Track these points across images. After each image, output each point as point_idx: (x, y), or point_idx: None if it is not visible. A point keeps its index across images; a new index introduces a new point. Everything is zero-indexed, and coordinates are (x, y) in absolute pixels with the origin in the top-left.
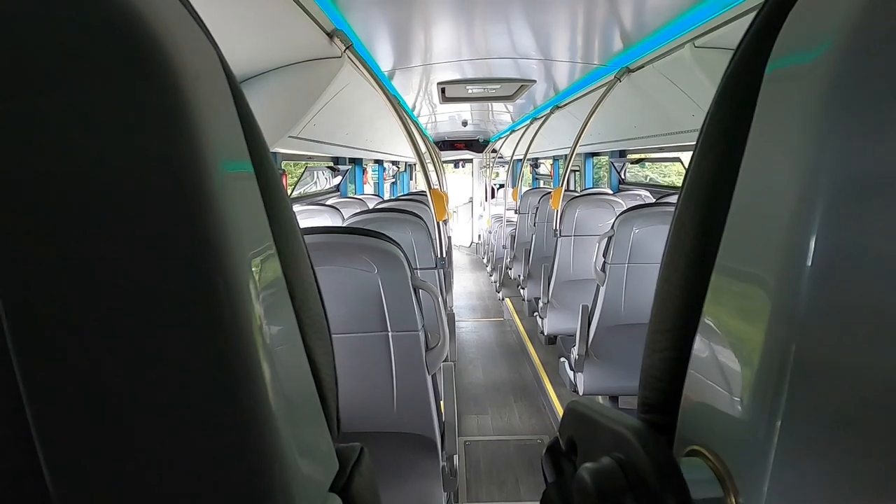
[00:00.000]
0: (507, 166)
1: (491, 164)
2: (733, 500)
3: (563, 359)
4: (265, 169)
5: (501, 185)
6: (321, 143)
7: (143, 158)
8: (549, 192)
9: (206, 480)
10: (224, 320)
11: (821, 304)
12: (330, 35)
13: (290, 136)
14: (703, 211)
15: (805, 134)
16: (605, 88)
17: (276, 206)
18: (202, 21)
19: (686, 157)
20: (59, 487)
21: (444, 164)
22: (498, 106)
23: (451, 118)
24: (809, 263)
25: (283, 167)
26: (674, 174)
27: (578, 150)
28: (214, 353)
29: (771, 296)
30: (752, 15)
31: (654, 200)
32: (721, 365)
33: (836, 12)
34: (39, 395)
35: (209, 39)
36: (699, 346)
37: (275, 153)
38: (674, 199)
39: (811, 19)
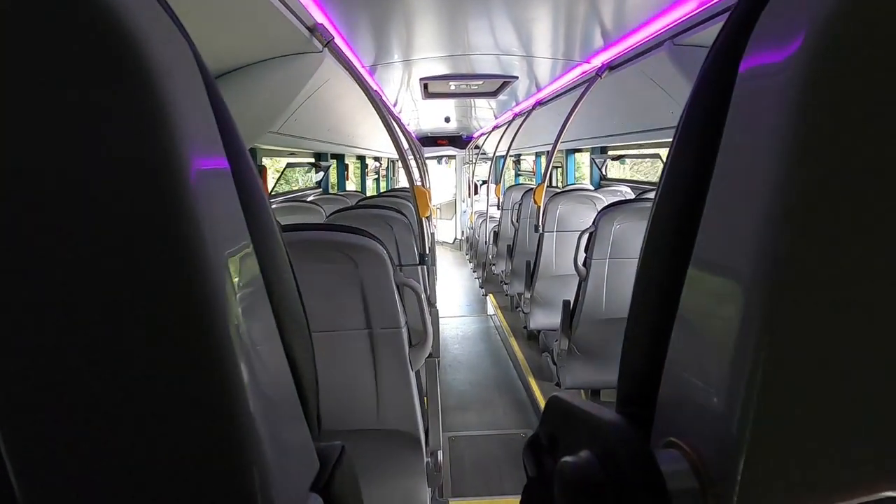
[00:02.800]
0: (489, 163)
1: (474, 161)
2: (708, 491)
3: (545, 353)
4: (242, 166)
5: (485, 182)
6: (302, 138)
7: (113, 156)
8: (532, 189)
9: (184, 482)
10: (200, 320)
11: (793, 299)
12: (310, 30)
13: (270, 132)
14: (680, 206)
15: (777, 131)
16: (586, 85)
17: (253, 203)
18: (175, 15)
19: (665, 153)
20: (28, 494)
21: (427, 161)
22: (480, 102)
23: (433, 114)
24: (782, 258)
25: (262, 163)
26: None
27: (560, 146)
28: (191, 354)
29: (745, 290)
30: (728, 14)
31: (634, 196)
32: (697, 358)
33: (807, 11)
34: (7, 396)
35: (182, 34)
36: (676, 339)
37: (254, 149)
38: (653, 194)
39: (783, 18)
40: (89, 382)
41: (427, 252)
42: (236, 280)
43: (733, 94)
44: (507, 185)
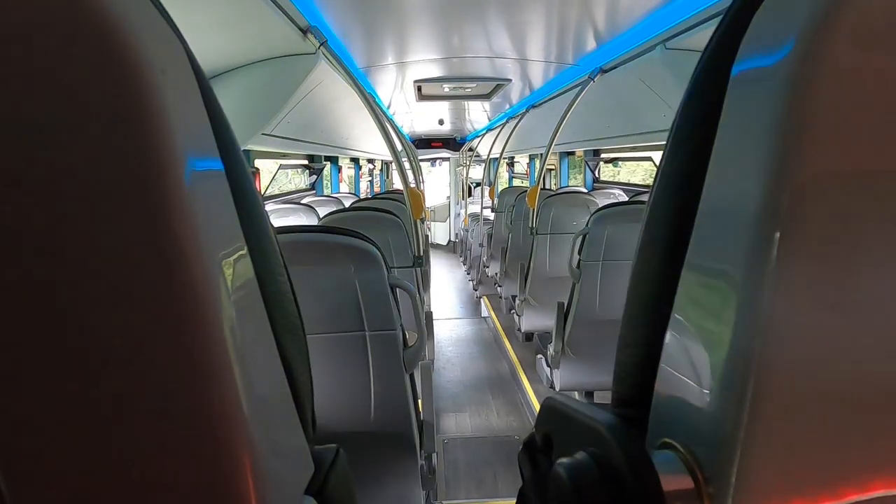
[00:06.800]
0: (483, 165)
1: (468, 163)
2: (702, 490)
3: (539, 355)
4: (236, 167)
5: (478, 184)
6: (296, 140)
7: (105, 157)
8: (526, 191)
9: (178, 486)
10: (194, 323)
11: (785, 301)
12: (304, 31)
13: (263, 134)
14: (673, 209)
15: (768, 135)
16: (578, 88)
17: (247, 205)
18: (168, 14)
19: (657, 156)
20: (16, 493)
21: (421, 163)
22: (474, 104)
23: (427, 116)
24: (774, 260)
25: (255, 165)
26: None
27: (554, 149)
28: (184, 357)
29: (737, 292)
30: (720, 18)
31: (627, 199)
32: (690, 359)
33: (797, 16)
34: None
35: (175, 33)
36: (670, 341)
37: (247, 151)
38: (646, 197)
39: (774, 23)
40: (80, 385)
41: (421, 254)
42: (230, 282)
43: (725, 98)
44: (500, 187)
